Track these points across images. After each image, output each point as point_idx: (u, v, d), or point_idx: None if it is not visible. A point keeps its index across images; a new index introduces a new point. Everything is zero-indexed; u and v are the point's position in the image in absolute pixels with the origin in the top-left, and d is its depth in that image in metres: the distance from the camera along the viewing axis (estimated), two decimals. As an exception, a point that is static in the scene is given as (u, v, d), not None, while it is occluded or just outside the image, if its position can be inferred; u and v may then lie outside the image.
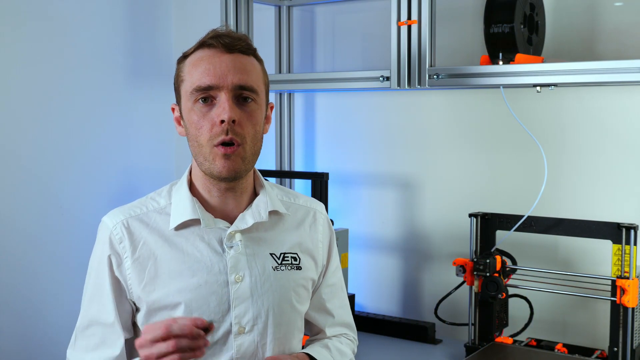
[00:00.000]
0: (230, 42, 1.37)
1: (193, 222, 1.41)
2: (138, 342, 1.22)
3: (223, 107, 1.34)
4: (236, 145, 1.35)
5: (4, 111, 2.43)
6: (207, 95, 1.35)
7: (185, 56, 1.41)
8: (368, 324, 2.51)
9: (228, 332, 1.39)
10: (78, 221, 2.64)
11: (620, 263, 1.96)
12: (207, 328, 1.22)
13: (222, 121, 1.33)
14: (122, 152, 2.85)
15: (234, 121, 1.34)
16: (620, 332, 1.97)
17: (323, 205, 1.60)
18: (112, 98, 2.81)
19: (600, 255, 2.18)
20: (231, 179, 1.38)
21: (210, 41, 1.37)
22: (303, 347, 1.56)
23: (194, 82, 1.36)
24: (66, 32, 2.62)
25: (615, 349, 1.98)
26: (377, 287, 2.67)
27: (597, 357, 2.07)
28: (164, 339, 1.20)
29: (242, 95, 1.37)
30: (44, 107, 2.56)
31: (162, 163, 3.04)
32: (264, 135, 1.46)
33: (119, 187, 2.82)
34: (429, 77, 2.17)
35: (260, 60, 1.44)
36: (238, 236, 1.41)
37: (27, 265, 2.50)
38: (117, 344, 1.40)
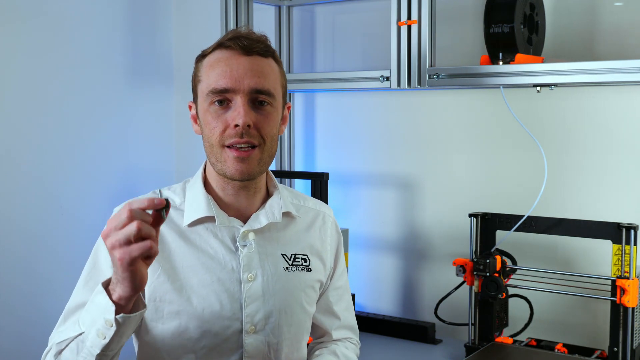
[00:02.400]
0: (249, 45, 1.37)
1: (207, 219, 1.41)
2: (103, 233, 1.15)
3: (238, 112, 1.34)
4: (252, 148, 1.35)
5: (3, 111, 2.43)
6: (223, 98, 1.35)
7: (203, 55, 1.41)
8: (368, 324, 2.51)
9: (239, 331, 1.39)
10: (78, 221, 2.64)
11: (620, 263, 1.96)
12: (167, 205, 1.15)
13: (237, 125, 1.33)
14: (122, 152, 2.85)
15: (248, 126, 1.34)
16: (620, 332, 1.97)
17: (331, 209, 1.62)
18: (112, 98, 2.81)
19: (600, 255, 2.18)
20: (244, 180, 1.39)
21: (229, 42, 1.37)
22: (308, 352, 1.57)
23: (210, 83, 1.36)
24: (66, 32, 2.62)
25: (615, 349, 1.98)
26: (377, 287, 2.67)
27: (597, 357, 2.07)
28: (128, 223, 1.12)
29: (258, 99, 1.37)
30: (44, 107, 2.56)
31: (162, 163, 3.04)
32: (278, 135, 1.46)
33: (119, 187, 2.82)
34: (429, 77, 2.17)
35: (279, 62, 1.44)
36: (251, 235, 1.42)
37: (27, 265, 2.50)
38: None
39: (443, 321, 2.35)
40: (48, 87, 2.57)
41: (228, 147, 1.35)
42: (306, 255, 1.49)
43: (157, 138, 3.01)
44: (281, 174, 2.68)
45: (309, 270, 1.48)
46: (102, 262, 1.39)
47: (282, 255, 1.46)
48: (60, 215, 2.61)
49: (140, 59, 2.92)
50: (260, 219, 1.43)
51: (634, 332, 1.98)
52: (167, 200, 1.15)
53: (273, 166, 2.80)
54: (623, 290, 1.94)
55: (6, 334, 2.43)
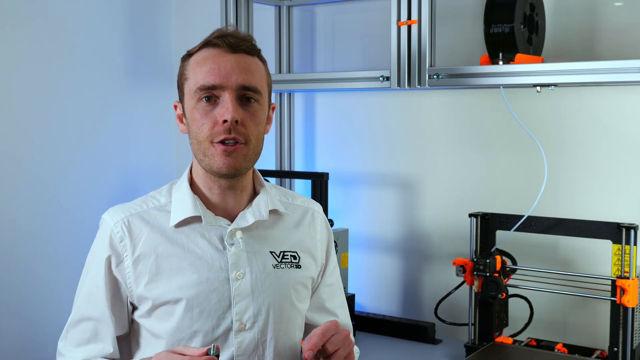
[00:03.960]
0: (235, 42, 1.38)
1: (194, 220, 1.42)
2: None
3: (226, 107, 1.35)
4: (239, 144, 1.36)
5: (4, 111, 2.43)
6: (210, 95, 1.36)
7: (189, 54, 1.42)
8: (368, 324, 2.51)
9: (229, 329, 1.39)
10: (78, 221, 2.64)
11: (620, 263, 1.96)
12: (217, 355, 1.22)
13: (225, 121, 1.34)
14: (122, 152, 2.85)
15: (236, 121, 1.35)
16: (620, 332, 1.97)
17: (320, 206, 1.62)
18: (112, 98, 2.81)
19: (600, 255, 2.18)
20: (231, 176, 1.39)
21: (215, 40, 1.38)
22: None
23: (198, 80, 1.37)
24: (66, 32, 2.62)
25: (615, 349, 1.98)
26: (377, 287, 2.67)
27: (597, 357, 2.07)
28: None
29: (245, 96, 1.38)
30: (44, 107, 2.56)
31: (162, 163, 3.04)
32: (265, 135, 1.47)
33: (119, 187, 2.82)
34: (429, 77, 2.17)
35: (264, 61, 1.45)
36: (239, 234, 1.42)
37: (27, 265, 2.50)
38: (109, 340, 1.41)
39: (443, 321, 2.35)
40: (48, 87, 2.57)
41: (216, 142, 1.35)
42: (295, 252, 1.49)
43: (157, 138, 3.01)
44: (281, 174, 2.68)
45: (298, 267, 1.48)
46: (100, 274, 1.41)
47: (271, 252, 1.46)
48: (60, 215, 2.61)
49: (140, 59, 2.92)
50: (247, 217, 1.43)
51: (634, 332, 1.98)
52: (217, 355, 1.21)
53: (273, 166, 2.80)
54: (623, 290, 1.94)
55: (5, 333, 2.43)
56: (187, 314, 1.37)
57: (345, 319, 1.63)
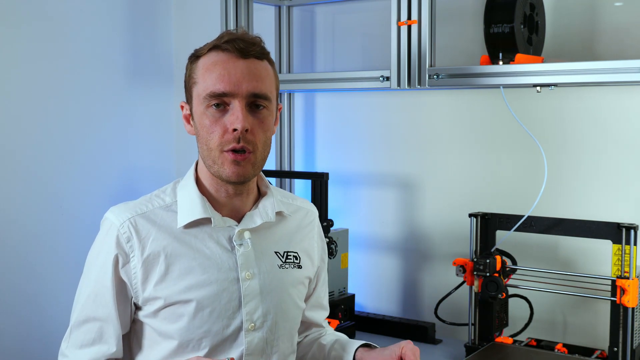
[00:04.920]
0: (245, 47, 1.37)
1: (202, 221, 1.42)
2: None
3: (236, 116, 1.34)
4: (247, 153, 1.36)
5: (4, 111, 2.43)
6: (220, 102, 1.36)
7: (197, 56, 1.40)
8: (368, 324, 2.51)
9: (239, 329, 1.40)
10: (78, 221, 2.64)
11: (620, 263, 1.96)
12: None
13: (235, 129, 1.34)
14: (122, 152, 2.85)
15: (246, 130, 1.34)
16: (620, 332, 1.97)
17: (315, 206, 1.65)
18: (112, 98, 2.81)
19: (600, 255, 2.18)
20: (239, 183, 1.40)
21: (225, 45, 1.37)
22: (299, 344, 1.61)
23: (207, 87, 1.36)
24: (66, 32, 2.62)
25: (615, 349, 1.98)
26: (377, 287, 2.67)
27: (597, 357, 2.07)
28: None
29: (255, 103, 1.37)
30: (44, 107, 2.56)
31: (162, 163, 3.04)
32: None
33: (119, 187, 2.82)
34: (429, 77, 2.17)
35: (272, 64, 1.44)
36: (247, 234, 1.43)
37: (27, 264, 2.50)
38: (114, 341, 1.41)
39: (443, 321, 2.35)
40: (48, 87, 2.57)
41: (226, 151, 1.36)
42: (297, 252, 1.51)
43: (157, 138, 3.01)
44: (281, 174, 2.68)
45: (299, 267, 1.51)
46: (106, 274, 1.40)
47: (276, 252, 1.48)
48: (60, 215, 2.61)
49: (140, 59, 2.92)
50: (255, 219, 1.45)
51: (634, 332, 1.98)
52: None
53: (273, 166, 2.80)
54: (623, 290, 1.94)
55: (6, 333, 2.43)
56: (198, 314, 1.38)
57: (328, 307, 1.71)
